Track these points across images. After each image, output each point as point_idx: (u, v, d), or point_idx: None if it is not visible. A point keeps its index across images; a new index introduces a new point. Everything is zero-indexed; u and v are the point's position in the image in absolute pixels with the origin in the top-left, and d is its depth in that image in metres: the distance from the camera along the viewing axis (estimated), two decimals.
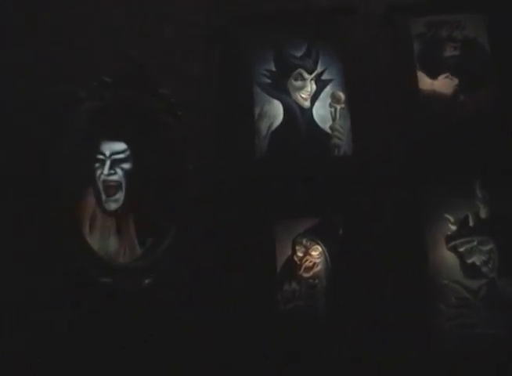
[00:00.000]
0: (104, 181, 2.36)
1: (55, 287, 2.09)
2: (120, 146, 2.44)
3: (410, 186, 2.64)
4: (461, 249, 2.58)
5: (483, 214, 2.61)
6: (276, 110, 2.78)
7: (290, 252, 2.66)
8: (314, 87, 2.78)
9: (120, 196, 2.41)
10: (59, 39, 2.24)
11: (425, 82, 2.73)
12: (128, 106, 2.45)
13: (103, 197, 2.36)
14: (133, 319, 2.28)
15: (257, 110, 2.77)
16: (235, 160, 2.72)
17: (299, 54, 2.81)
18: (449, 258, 2.57)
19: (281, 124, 2.76)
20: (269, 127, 2.76)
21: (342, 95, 2.76)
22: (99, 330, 2.19)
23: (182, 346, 2.42)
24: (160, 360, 2.36)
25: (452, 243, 2.59)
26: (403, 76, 2.73)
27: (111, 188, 2.39)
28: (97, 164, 2.37)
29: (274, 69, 2.81)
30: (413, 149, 2.66)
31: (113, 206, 2.39)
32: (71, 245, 2.19)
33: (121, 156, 2.43)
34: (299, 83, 2.79)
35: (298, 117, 2.76)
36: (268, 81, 2.80)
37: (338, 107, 2.75)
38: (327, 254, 2.64)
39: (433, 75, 2.74)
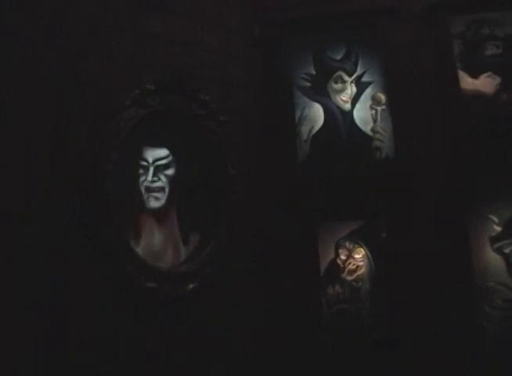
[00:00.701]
0: (147, 187, 2.40)
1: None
2: (163, 152, 2.47)
3: (454, 186, 2.61)
4: (506, 250, 2.53)
5: None
6: (317, 114, 2.78)
7: (333, 255, 2.66)
8: (354, 89, 2.77)
9: (163, 195, 2.43)
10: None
11: (467, 82, 2.69)
12: (170, 113, 2.48)
13: (145, 196, 2.39)
14: (177, 323, 2.32)
15: (298, 114, 2.77)
16: (277, 164, 2.73)
17: (338, 57, 2.81)
18: (494, 259, 2.53)
19: (322, 127, 2.76)
20: (310, 130, 2.76)
21: (383, 97, 2.74)
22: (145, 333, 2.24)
23: (223, 351, 2.45)
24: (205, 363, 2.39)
25: (497, 244, 2.54)
26: (444, 76, 2.69)
27: (154, 191, 2.42)
28: (141, 171, 2.40)
29: (314, 72, 2.81)
30: (457, 149, 2.63)
31: (155, 203, 2.41)
32: (117, 249, 2.23)
33: (164, 162, 2.46)
34: (339, 86, 2.79)
35: (339, 119, 2.76)
36: (309, 84, 2.80)
37: (379, 109, 2.74)
38: (370, 257, 2.63)
39: (474, 74, 2.69)
